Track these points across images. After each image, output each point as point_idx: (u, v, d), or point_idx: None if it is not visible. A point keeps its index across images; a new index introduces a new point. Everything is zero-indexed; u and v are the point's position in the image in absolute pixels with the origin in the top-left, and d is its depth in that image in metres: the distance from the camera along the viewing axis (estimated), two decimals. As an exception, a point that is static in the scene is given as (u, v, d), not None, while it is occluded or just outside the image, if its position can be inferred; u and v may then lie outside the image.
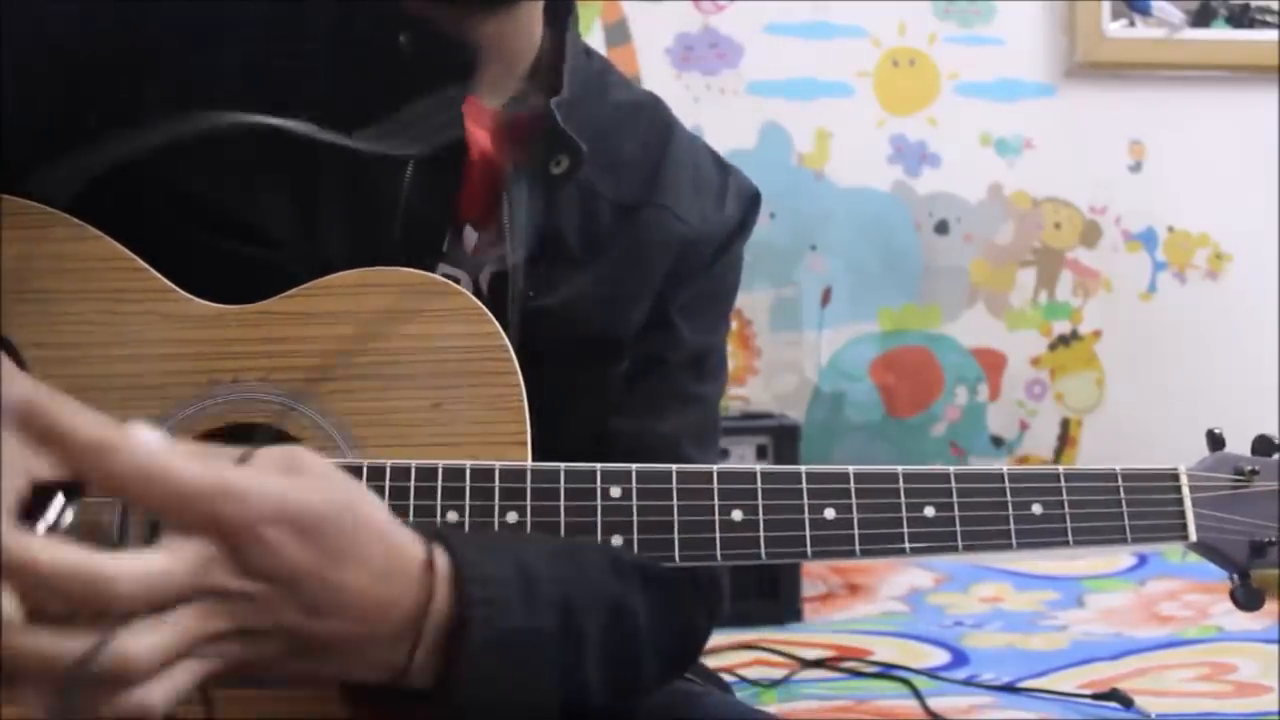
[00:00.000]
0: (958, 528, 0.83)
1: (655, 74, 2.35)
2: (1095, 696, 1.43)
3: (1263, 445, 0.92)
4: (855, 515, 0.82)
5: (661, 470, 0.81)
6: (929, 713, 1.40)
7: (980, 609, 1.96)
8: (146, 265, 0.82)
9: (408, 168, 0.88)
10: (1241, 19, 2.45)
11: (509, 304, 0.90)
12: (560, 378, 0.92)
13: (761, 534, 0.82)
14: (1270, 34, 2.44)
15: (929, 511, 0.83)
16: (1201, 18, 2.44)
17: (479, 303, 0.83)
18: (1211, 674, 1.55)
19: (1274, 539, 0.88)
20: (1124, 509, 0.86)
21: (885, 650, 1.68)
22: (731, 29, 2.38)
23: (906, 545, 0.83)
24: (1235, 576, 0.89)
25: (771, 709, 1.42)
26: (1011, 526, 0.84)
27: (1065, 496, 0.85)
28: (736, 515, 0.81)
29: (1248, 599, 0.89)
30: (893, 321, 2.43)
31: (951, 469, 0.84)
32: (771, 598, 1.90)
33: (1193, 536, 0.87)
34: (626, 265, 0.96)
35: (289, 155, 0.86)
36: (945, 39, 2.43)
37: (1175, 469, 0.88)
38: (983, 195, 2.44)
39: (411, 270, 0.83)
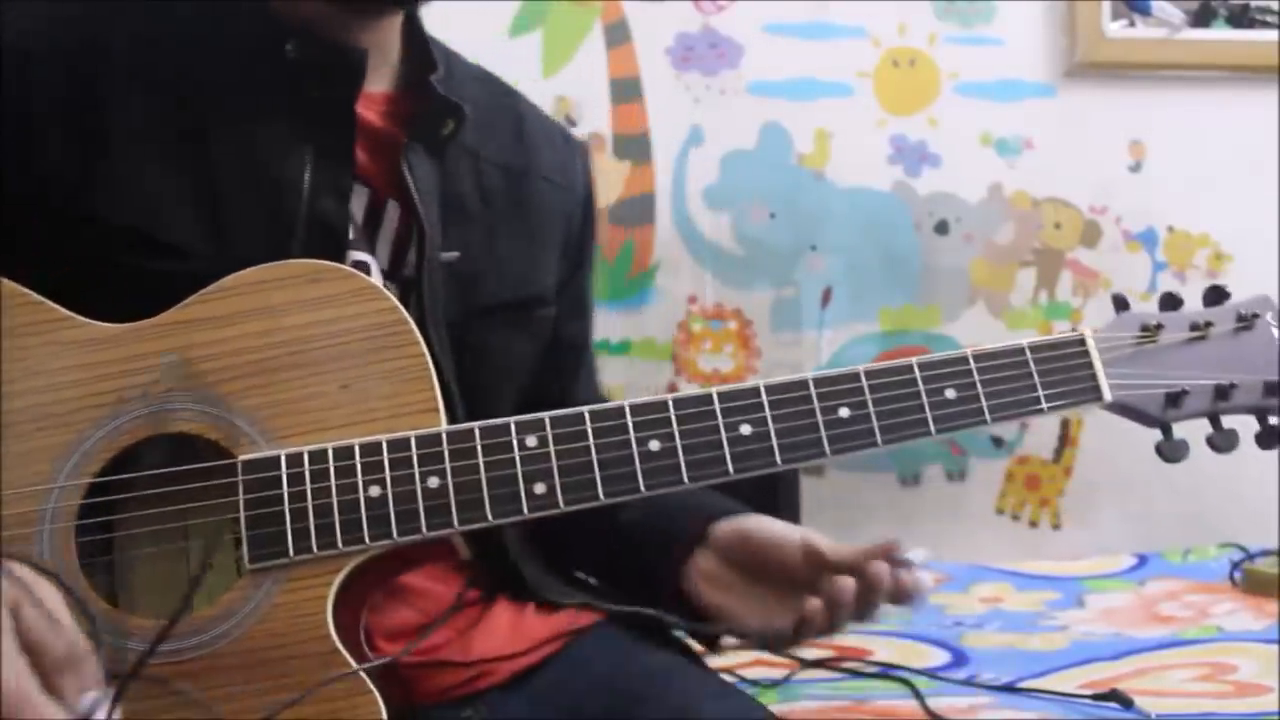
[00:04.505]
0: (875, 424, 0.85)
1: (655, 74, 2.35)
2: (1095, 696, 1.43)
3: (1168, 301, 0.95)
4: (771, 427, 0.84)
5: (574, 414, 0.84)
6: (929, 713, 1.40)
7: (980, 609, 1.96)
8: (41, 298, 0.83)
9: (306, 168, 0.92)
10: (1241, 19, 2.45)
11: (424, 264, 0.96)
12: (486, 331, 1.00)
13: (681, 459, 0.83)
14: (1270, 34, 2.44)
15: (844, 413, 0.85)
16: (1201, 18, 2.44)
17: (374, 281, 0.86)
18: (1211, 674, 1.55)
19: (1187, 389, 0.90)
20: (1036, 379, 0.88)
21: (885, 650, 1.67)
22: (731, 29, 2.38)
23: (826, 448, 0.85)
24: (1158, 432, 0.91)
25: (771, 709, 1.42)
26: (928, 414, 0.86)
27: (977, 378, 0.87)
28: (654, 445, 0.83)
29: (1171, 452, 0.91)
30: (893, 321, 2.43)
31: (860, 368, 0.87)
32: (771, 598, 1.90)
33: (1107, 397, 0.89)
34: (527, 224, 1.06)
35: (190, 168, 0.90)
36: (945, 39, 2.43)
37: (1081, 333, 0.90)
38: (983, 195, 2.44)
39: (304, 260, 0.86)
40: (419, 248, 0.97)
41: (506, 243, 1.04)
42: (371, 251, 0.97)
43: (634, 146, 2.34)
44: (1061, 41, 2.44)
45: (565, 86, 2.33)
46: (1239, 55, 2.43)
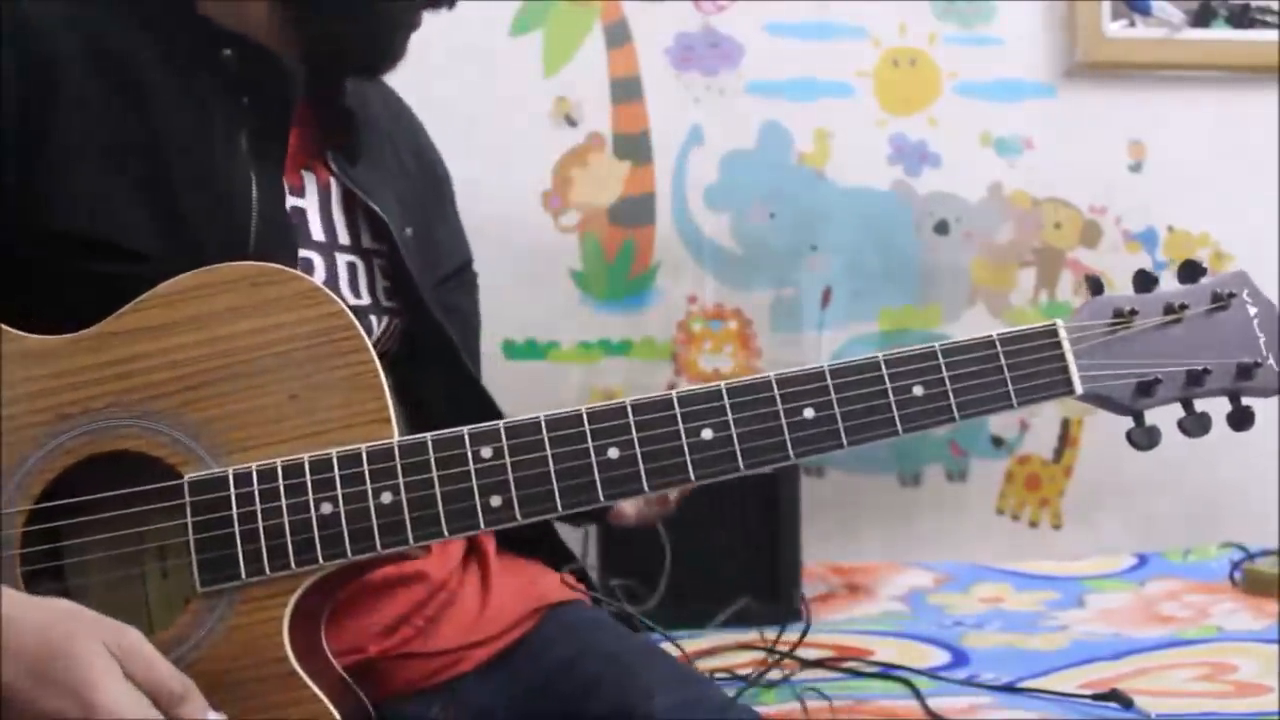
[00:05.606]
0: (840, 424, 0.82)
1: (655, 74, 2.35)
2: (1095, 696, 1.43)
3: (1143, 281, 0.90)
4: (734, 430, 0.81)
5: (530, 422, 0.80)
6: (929, 713, 1.40)
7: (980, 609, 1.96)
8: None
9: (250, 168, 0.93)
10: (1241, 19, 2.45)
11: (399, 239, 1.01)
12: (450, 296, 1.07)
13: (641, 467, 0.80)
14: (1270, 34, 2.44)
15: (809, 413, 0.82)
16: (1201, 18, 2.44)
17: (318, 283, 0.83)
18: (1211, 674, 1.55)
19: (1159, 377, 0.86)
20: (1006, 374, 0.84)
21: (885, 650, 1.68)
22: (731, 29, 2.38)
23: (790, 451, 0.82)
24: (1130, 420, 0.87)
25: (771, 709, 1.42)
26: (895, 413, 0.82)
27: (945, 373, 0.83)
28: (613, 453, 0.80)
29: (1143, 439, 0.88)
30: (893, 321, 2.43)
31: (825, 365, 0.83)
32: (771, 598, 1.90)
33: (1078, 390, 0.85)
34: (438, 197, 1.16)
35: (141, 173, 0.90)
36: (945, 39, 2.43)
37: (1053, 323, 0.86)
38: (983, 195, 2.44)
39: (246, 263, 0.82)
40: (378, 229, 1.01)
41: (436, 216, 1.11)
42: (332, 231, 0.99)
43: (634, 146, 2.34)
44: (1061, 41, 2.44)
45: (565, 86, 2.33)
46: (1239, 55, 2.43)
